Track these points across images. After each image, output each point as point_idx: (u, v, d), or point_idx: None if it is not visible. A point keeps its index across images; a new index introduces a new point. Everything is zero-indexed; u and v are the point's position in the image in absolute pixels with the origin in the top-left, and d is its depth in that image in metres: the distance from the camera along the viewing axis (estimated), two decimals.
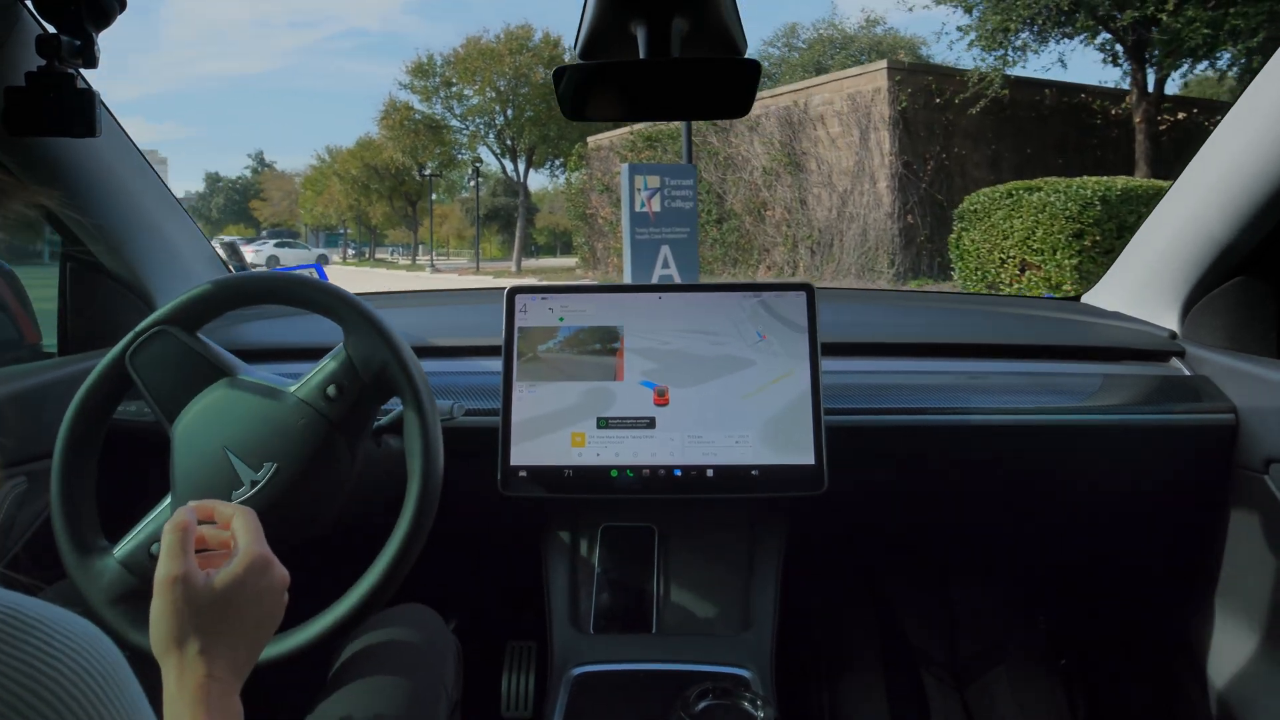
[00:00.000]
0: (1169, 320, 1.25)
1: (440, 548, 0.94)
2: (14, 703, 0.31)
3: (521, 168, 25.23)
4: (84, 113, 0.81)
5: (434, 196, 30.69)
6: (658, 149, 13.80)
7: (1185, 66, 11.96)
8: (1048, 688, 1.44)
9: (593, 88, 0.83)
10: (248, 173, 63.48)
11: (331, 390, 0.88)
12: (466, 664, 1.01)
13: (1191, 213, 1.12)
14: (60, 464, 0.87)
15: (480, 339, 1.21)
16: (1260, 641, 1.08)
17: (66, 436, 0.88)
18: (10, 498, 0.97)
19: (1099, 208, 7.50)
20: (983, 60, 11.46)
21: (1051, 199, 7.76)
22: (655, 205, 7.37)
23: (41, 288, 1.27)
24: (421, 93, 24.78)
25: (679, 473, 1.05)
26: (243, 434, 0.86)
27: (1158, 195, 4.76)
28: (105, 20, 0.82)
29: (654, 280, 5.91)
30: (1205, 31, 9.90)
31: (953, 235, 8.93)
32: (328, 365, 0.89)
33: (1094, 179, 7.84)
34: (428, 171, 28.00)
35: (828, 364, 1.09)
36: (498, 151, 25.43)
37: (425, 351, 1.04)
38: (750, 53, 0.84)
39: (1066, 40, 11.74)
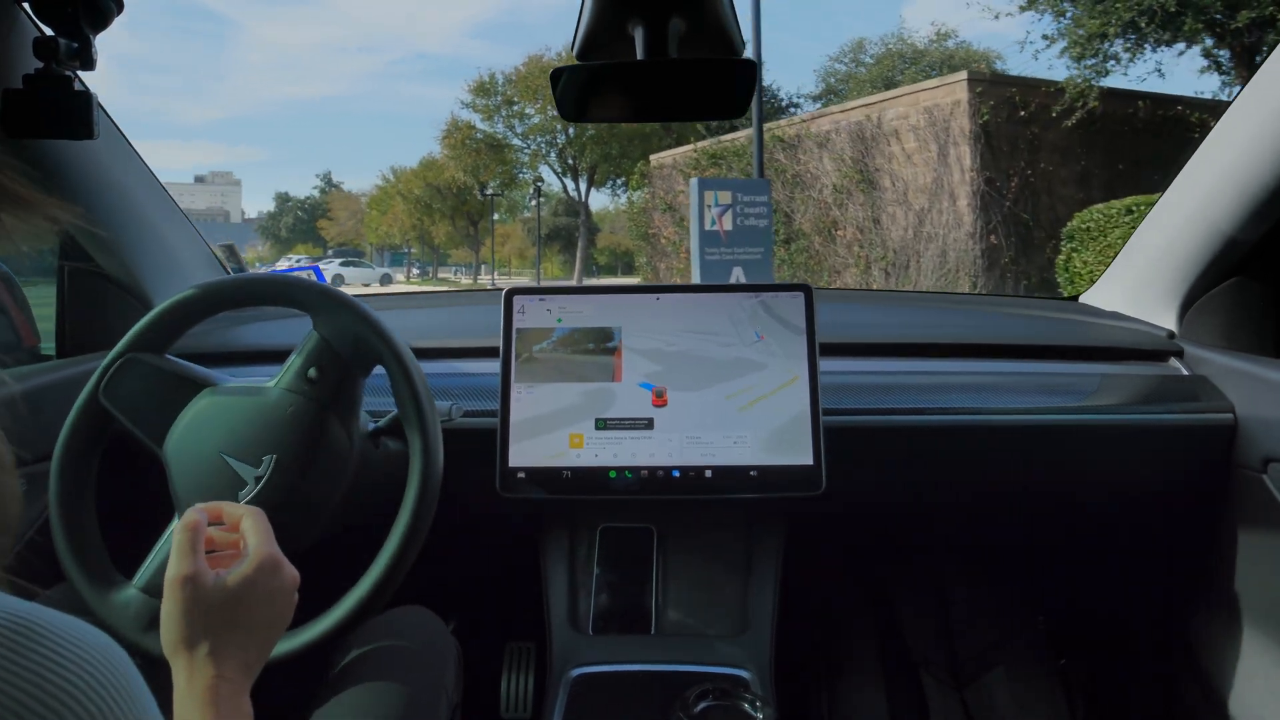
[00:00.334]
0: (1167, 320, 1.26)
1: (439, 548, 0.95)
2: (25, 712, 0.32)
3: (583, 187, 25.20)
4: (81, 115, 0.82)
5: (495, 216, 31.17)
6: (722, 166, 13.50)
7: None
8: (1047, 688, 1.46)
9: (590, 89, 0.84)
10: (316, 193, 65.04)
11: (312, 373, 0.89)
12: (466, 666, 1.03)
13: (1189, 213, 1.14)
14: (59, 511, 0.88)
15: (478, 340, 1.22)
16: (1259, 641, 1.09)
17: (58, 486, 0.89)
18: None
19: None
20: (1074, 70, 10.81)
21: None
22: (727, 223, 6.95)
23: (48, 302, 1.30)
24: (483, 111, 25.10)
25: (677, 474, 1.08)
26: (235, 436, 0.88)
27: None
28: (103, 22, 0.83)
29: None
30: None
31: (1061, 257, 8.36)
32: (303, 350, 0.90)
33: None
34: (489, 191, 28.42)
35: (826, 364, 1.12)
36: (559, 170, 25.65)
37: (424, 353, 1.06)
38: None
39: (1165, 47, 11.02)
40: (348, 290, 1.02)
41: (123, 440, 0.94)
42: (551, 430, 1.09)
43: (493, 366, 1.13)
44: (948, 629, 1.57)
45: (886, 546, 1.60)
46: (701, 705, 0.86)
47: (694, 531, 1.18)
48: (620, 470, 1.08)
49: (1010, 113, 10.79)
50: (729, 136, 14.30)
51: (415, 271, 43.51)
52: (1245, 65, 10.73)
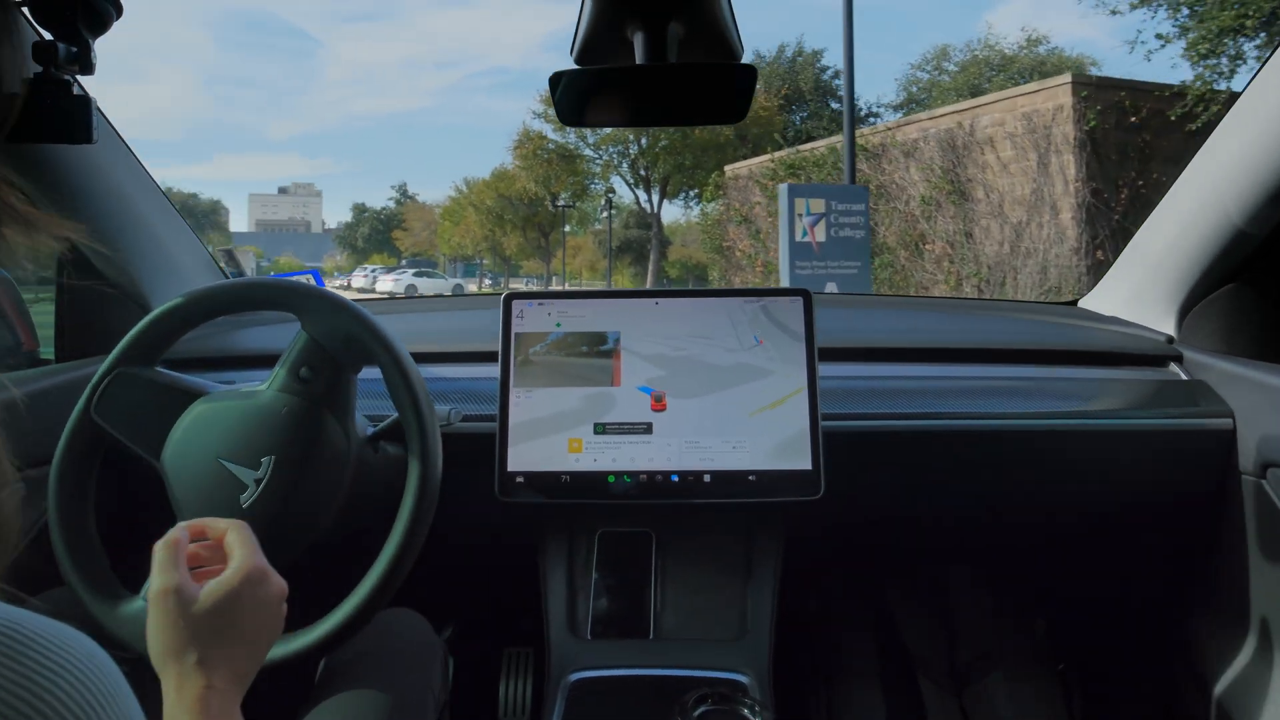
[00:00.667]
0: (1166, 325, 1.28)
1: (437, 553, 0.96)
2: (12, 715, 0.33)
3: (655, 198, 24.89)
4: (80, 119, 0.82)
5: (567, 228, 31.03)
6: (801, 177, 13.10)
7: None
8: (1046, 693, 1.47)
9: (589, 93, 0.85)
10: (391, 204, 67.02)
11: (304, 372, 0.91)
12: (464, 671, 1.09)
13: (1188, 218, 1.16)
14: (60, 527, 0.90)
15: (477, 345, 1.25)
16: (1259, 647, 1.10)
17: (57, 504, 0.90)
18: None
19: None
20: (1196, 71, 9.98)
21: None
22: (820, 234, 6.47)
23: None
24: (554, 122, 24.97)
25: (676, 478, 1.10)
26: (232, 441, 0.89)
27: None
28: (102, 26, 0.84)
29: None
30: None
31: None
32: (293, 351, 0.92)
33: None
34: (560, 202, 28.35)
35: (825, 369, 1.14)
36: (631, 181, 25.40)
37: (422, 357, 1.09)
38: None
39: None
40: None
41: (120, 453, 0.96)
42: (550, 434, 1.12)
43: (492, 371, 1.15)
44: (947, 633, 1.59)
45: (885, 551, 1.62)
46: (700, 710, 0.87)
47: (693, 536, 1.20)
48: (619, 475, 1.10)
49: (1119, 118, 10.14)
50: (808, 146, 13.86)
51: (487, 282, 44.15)
52: None
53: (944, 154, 11.19)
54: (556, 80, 0.81)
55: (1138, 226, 1.35)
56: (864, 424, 1.16)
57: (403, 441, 0.91)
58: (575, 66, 0.85)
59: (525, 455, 1.11)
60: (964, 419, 1.16)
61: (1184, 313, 1.26)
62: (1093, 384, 1.23)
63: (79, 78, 0.86)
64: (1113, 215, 9.89)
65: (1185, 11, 10.39)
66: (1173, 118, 10.13)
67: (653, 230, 26.46)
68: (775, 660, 1.12)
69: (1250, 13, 9.73)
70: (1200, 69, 10.30)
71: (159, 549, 0.66)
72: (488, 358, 1.19)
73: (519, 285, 42.14)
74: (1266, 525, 1.08)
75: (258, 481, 0.87)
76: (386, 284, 34.01)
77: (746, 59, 0.86)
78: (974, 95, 15.97)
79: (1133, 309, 1.35)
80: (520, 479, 1.10)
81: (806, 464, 1.08)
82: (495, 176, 31.88)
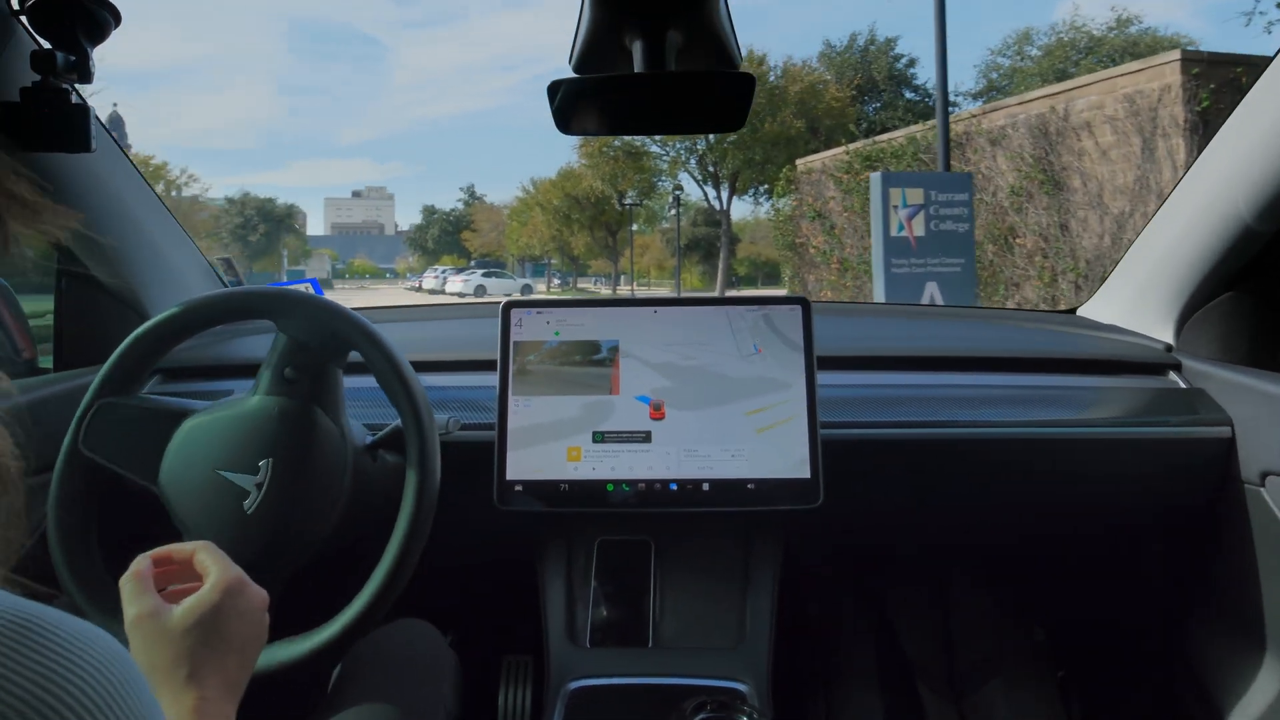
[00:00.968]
0: (1164, 333, 1.29)
1: (436, 561, 0.97)
2: (28, 710, 0.33)
3: (724, 195, 24.41)
4: (78, 128, 0.84)
5: (634, 227, 30.83)
6: (879, 167, 12.48)
7: None
8: (1045, 700, 1.48)
9: (587, 101, 0.85)
10: (460, 205, 68.11)
11: (289, 372, 0.93)
12: (463, 679, 1.08)
13: (1185, 226, 1.18)
14: (62, 555, 0.91)
15: (476, 353, 1.28)
16: (1258, 655, 1.11)
17: (57, 536, 0.92)
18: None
19: None
20: None
21: None
22: (917, 227, 5.90)
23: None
24: None
25: (675, 486, 1.12)
26: (227, 451, 0.91)
27: None
28: (100, 35, 0.85)
29: None
30: None
31: None
32: (274, 354, 0.95)
33: None
34: (628, 201, 28.08)
35: (823, 377, 1.16)
36: (699, 178, 24.90)
37: (421, 366, 1.08)
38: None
39: None
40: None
41: (118, 480, 0.99)
42: (549, 443, 1.14)
43: (490, 379, 1.17)
44: (946, 640, 1.60)
45: (884, 559, 1.64)
46: (699, 717, 0.88)
47: (692, 544, 1.21)
48: (618, 483, 1.12)
49: (1236, 97, 9.21)
50: (885, 136, 13.28)
51: (556, 282, 44.31)
52: None
53: (1035, 141, 10.62)
54: (555, 88, 0.82)
55: None
56: (863, 433, 1.18)
57: (401, 450, 0.93)
58: (574, 75, 0.86)
59: (524, 464, 1.13)
60: (963, 428, 1.18)
61: (1182, 321, 1.28)
62: (1091, 392, 1.25)
63: (77, 86, 0.88)
64: None
65: None
66: None
67: (722, 227, 26.00)
68: (774, 668, 1.14)
69: None
70: None
71: (125, 582, 0.69)
72: (486, 366, 1.22)
73: (587, 285, 42.31)
74: (1265, 533, 1.10)
75: (258, 485, 0.89)
76: (456, 284, 34.54)
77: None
78: (1059, 80, 15.07)
79: (1131, 317, 1.37)
80: (519, 487, 1.13)
81: (805, 472, 1.10)
82: (561, 176, 32.15)
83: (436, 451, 0.92)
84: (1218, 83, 9.47)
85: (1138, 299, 1.35)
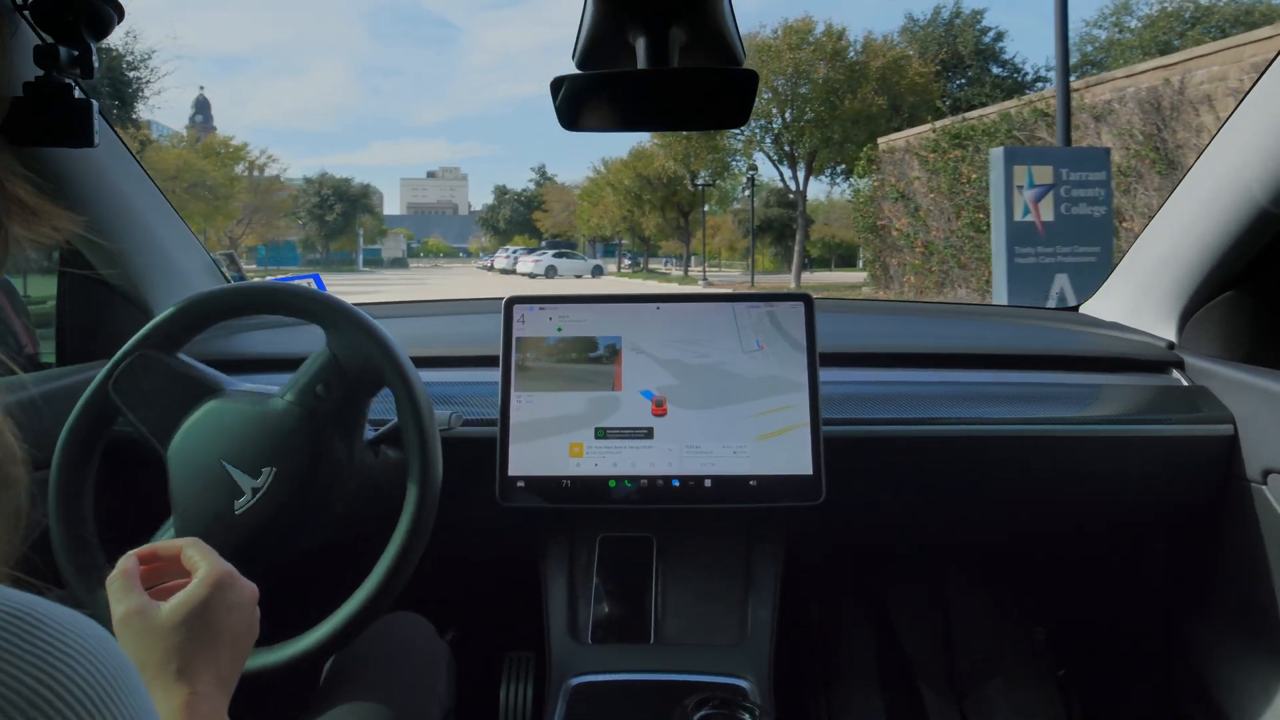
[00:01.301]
0: (1166, 330, 1.30)
1: (437, 558, 0.98)
2: (23, 702, 0.33)
3: (800, 175, 23.71)
4: (81, 123, 0.85)
5: (706, 207, 30.33)
6: (969, 146, 11.80)
7: None
8: (1046, 699, 1.48)
9: (591, 98, 0.86)
10: (531, 185, 68.38)
11: (320, 389, 0.93)
12: (464, 676, 1.09)
13: (1188, 223, 1.18)
14: (58, 506, 0.92)
15: (479, 349, 1.29)
16: (1259, 653, 1.12)
17: (58, 479, 0.93)
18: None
19: None
20: None
21: None
22: (1045, 211, 5.24)
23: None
24: None
25: (677, 483, 1.12)
26: (237, 444, 0.92)
27: None
28: (103, 30, 0.86)
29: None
30: None
31: None
32: (313, 365, 0.95)
33: None
34: (700, 181, 27.60)
35: (826, 374, 1.16)
36: (774, 158, 24.23)
37: (423, 361, 1.09)
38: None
39: None
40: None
41: (121, 446, 0.99)
42: (551, 439, 1.15)
43: (493, 375, 1.18)
44: (946, 639, 1.60)
45: (885, 557, 1.64)
46: (700, 714, 0.88)
47: (694, 541, 1.22)
48: (620, 479, 1.13)
49: None
50: (975, 113, 12.53)
51: (626, 263, 44.14)
52: None
53: (1145, 117, 9.82)
54: (558, 85, 0.83)
55: None
56: (865, 429, 1.19)
57: (403, 446, 0.94)
58: (577, 71, 0.87)
59: (526, 459, 1.14)
60: (965, 424, 1.19)
61: (1185, 318, 1.28)
62: (1094, 390, 1.25)
63: (80, 80, 0.89)
64: None
65: None
66: None
67: (798, 209, 25.33)
68: (776, 665, 1.14)
69: None
70: None
71: (111, 581, 0.69)
72: (489, 362, 1.22)
73: (658, 266, 42.08)
74: (1267, 531, 1.10)
75: (255, 490, 0.90)
76: (527, 265, 34.69)
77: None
78: (1162, 54, 14.03)
79: (1133, 315, 1.38)
80: (521, 483, 1.13)
81: (807, 469, 1.11)
82: (633, 156, 31.96)
83: (438, 448, 0.93)
84: None
85: (1140, 296, 1.36)
